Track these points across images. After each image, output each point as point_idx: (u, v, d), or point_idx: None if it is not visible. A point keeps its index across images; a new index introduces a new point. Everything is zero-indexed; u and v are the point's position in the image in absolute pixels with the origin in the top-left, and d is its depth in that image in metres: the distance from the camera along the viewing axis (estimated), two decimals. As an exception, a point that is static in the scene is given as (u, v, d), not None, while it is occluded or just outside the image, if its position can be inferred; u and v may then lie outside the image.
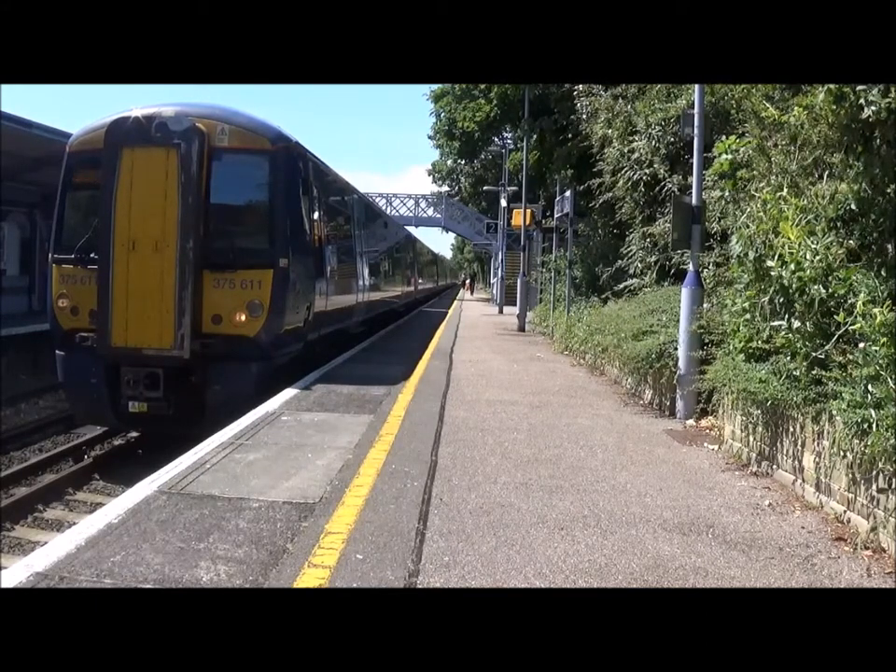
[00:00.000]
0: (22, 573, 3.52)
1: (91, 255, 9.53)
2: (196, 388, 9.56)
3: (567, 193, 16.21)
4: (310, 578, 3.56)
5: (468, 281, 71.77)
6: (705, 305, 7.77)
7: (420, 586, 3.51)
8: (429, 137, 41.15)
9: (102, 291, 9.31)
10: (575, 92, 15.63)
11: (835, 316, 4.76)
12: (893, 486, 3.99)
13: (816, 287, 5.01)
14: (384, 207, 45.78)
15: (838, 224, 5.46)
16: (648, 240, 11.82)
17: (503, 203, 30.91)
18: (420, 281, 38.74)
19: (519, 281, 22.61)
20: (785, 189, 5.95)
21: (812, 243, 5.22)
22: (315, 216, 11.73)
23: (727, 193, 7.37)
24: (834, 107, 5.17)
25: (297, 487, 5.10)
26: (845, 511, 4.52)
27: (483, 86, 31.05)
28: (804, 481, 5.11)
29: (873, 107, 4.80)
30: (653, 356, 8.27)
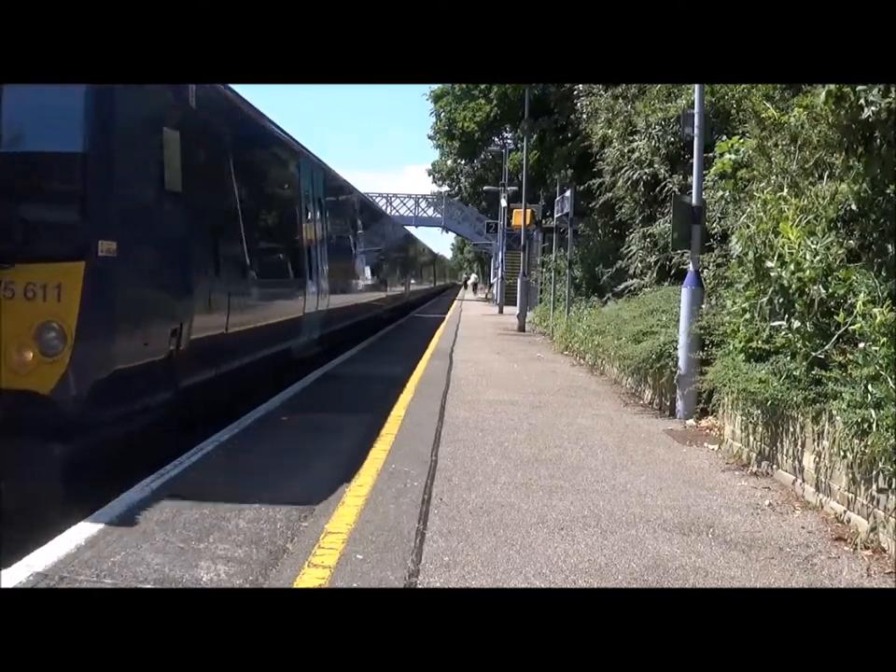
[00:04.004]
0: (22, 573, 3.52)
1: None
2: None
3: (567, 193, 16.21)
4: (310, 578, 3.57)
5: (470, 282, 67.84)
6: (704, 306, 7.77)
7: (420, 586, 3.51)
8: (429, 137, 41.24)
9: None
10: (575, 92, 15.63)
11: (835, 316, 4.76)
12: (893, 486, 3.98)
13: (816, 287, 5.01)
14: (384, 207, 45.62)
15: (838, 224, 5.47)
16: (648, 240, 11.82)
17: (503, 203, 30.89)
18: (413, 282, 34.04)
19: (519, 281, 22.59)
20: (785, 190, 5.95)
21: (812, 243, 5.23)
22: (198, 171, 6.89)
23: (727, 193, 7.37)
24: (834, 108, 5.17)
25: (297, 487, 5.10)
26: (845, 511, 4.52)
27: (482, 86, 31.08)
28: (804, 481, 5.11)
29: (873, 107, 4.80)
30: (653, 356, 8.27)
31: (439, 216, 53.35)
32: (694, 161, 7.99)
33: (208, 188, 7.28)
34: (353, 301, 16.00)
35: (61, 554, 3.77)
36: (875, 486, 4.16)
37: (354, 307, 16.07)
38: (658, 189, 11.33)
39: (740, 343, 6.07)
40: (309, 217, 11.92)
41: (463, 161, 42.57)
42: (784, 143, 6.31)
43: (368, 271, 19.13)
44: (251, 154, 9.33)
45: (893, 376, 4.01)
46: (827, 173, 5.75)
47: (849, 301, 4.74)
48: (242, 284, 8.34)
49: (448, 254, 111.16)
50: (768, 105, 6.70)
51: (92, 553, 3.80)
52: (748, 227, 6.11)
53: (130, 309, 5.76)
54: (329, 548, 3.95)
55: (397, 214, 49.06)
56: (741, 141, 7.11)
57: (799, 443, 5.19)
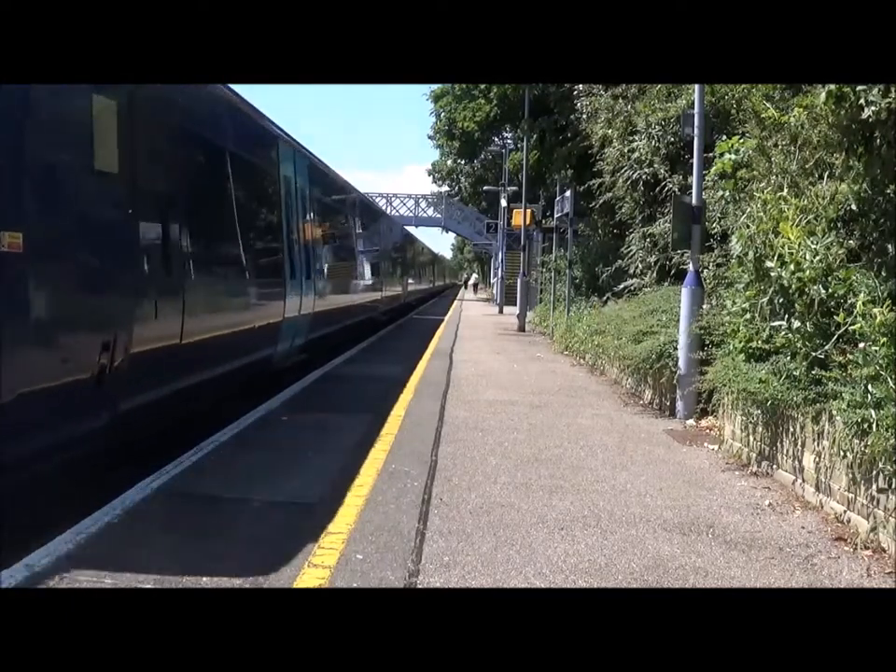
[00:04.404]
0: (22, 573, 3.52)
1: None
2: None
3: (567, 193, 16.21)
4: (310, 578, 3.57)
5: (471, 283, 68.94)
6: (705, 306, 7.77)
7: (420, 586, 3.51)
8: (429, 137, 41.24)
9: None
10: (575, 92, 15.63)
11: (835, 316, 4.76)
12: (893, 486, 3.99)
13: (816, 287, 5.02)
14: (384, 207, 45.59)
15: (838, 224, 5.47)
16: (648, 240, 11.82)
17: (503, 202, 30.88)
18: (411, 282, 32.68)
19: (519, 281, 22.57)
20: (785, 190, 5.95)
21: (812, 243, 5.23)
22: (143, 148, 5.82)
23: (727, 193, 7.37)
24: (834, 108, 5.17)
25: (297, 487, 5.10)
26: (845, 511, 4.52)
27: (482, 86, 31.08)
28: (804, 481, 5.11)
29: (873, 108, 4.80)
30: (653, 356, 8.28)
31: (439, 216, 53.37)
32: (694, 161, 7.99)
33: (157, 168, 6.09)
34: (344, 304, 14.65)
35: (61, 554, 3.77)
36: (875, 486, 4.17)
37: (345, 309, 14.74)
38: (658, 189, 11.33)
39: (740, 343, 6.07)
40: (290, 209, 10.45)
41: (463, 161, 42.58)
42: (784, 143, 6.31)
43: (362, 270, 17.85)
44: (215, 132, 7.85)
45: (893, 376, 4.01)
46: (827, 173, 5.75)
47: (849, 301, 4.74)
48: (201, 285, 7.01)
49: (448, 254, 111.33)
50: (768, 104, 6.70)
51: (92, 553, 3.80)
52: (748, 227, 6.11)
53: (41, 316, 4.61)
54: (329, 548, 3.95)
55: (397, 214, 49.05)
56: (741, 141, 7.10)
57: (799, 443, 5.19)
